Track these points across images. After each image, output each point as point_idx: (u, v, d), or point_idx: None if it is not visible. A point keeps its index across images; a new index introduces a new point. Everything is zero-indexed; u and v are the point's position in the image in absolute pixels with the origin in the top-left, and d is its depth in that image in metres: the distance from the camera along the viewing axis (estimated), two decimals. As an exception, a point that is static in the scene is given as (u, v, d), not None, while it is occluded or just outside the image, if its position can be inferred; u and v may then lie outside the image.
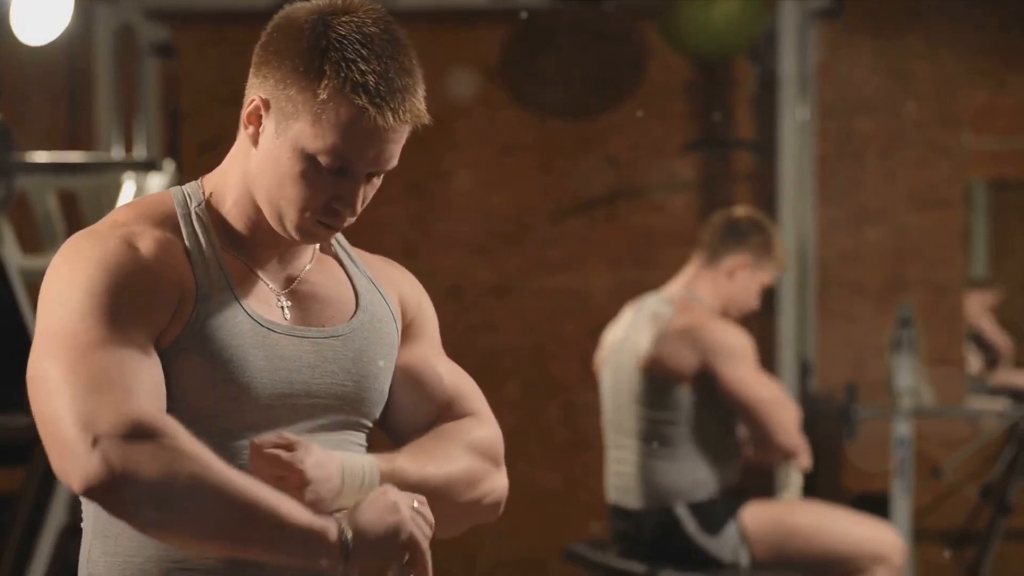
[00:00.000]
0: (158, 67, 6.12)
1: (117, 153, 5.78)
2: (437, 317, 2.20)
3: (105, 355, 1.85)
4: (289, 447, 1.91)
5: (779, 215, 6.00)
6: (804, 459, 4.11)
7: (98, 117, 5.95)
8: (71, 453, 1.80)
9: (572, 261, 6.32)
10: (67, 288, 1.90)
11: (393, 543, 1.92)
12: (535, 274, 6.33)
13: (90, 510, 2.00)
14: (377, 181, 2.01)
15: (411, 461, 2.02)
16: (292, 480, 1.89)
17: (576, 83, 6.33)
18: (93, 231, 1.97)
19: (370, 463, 1.98)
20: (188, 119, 6.14)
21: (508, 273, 6.33)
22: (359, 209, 1.99)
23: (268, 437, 1.92)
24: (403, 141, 1.99)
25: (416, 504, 1.95)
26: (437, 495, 2.03)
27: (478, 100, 6.26)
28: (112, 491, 1.80)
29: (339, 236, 2.13)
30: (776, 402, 4.02)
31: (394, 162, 1.99)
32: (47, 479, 4.02)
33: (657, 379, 4.07)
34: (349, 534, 1.89)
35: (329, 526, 1.88)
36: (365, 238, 2.27)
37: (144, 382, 1.87)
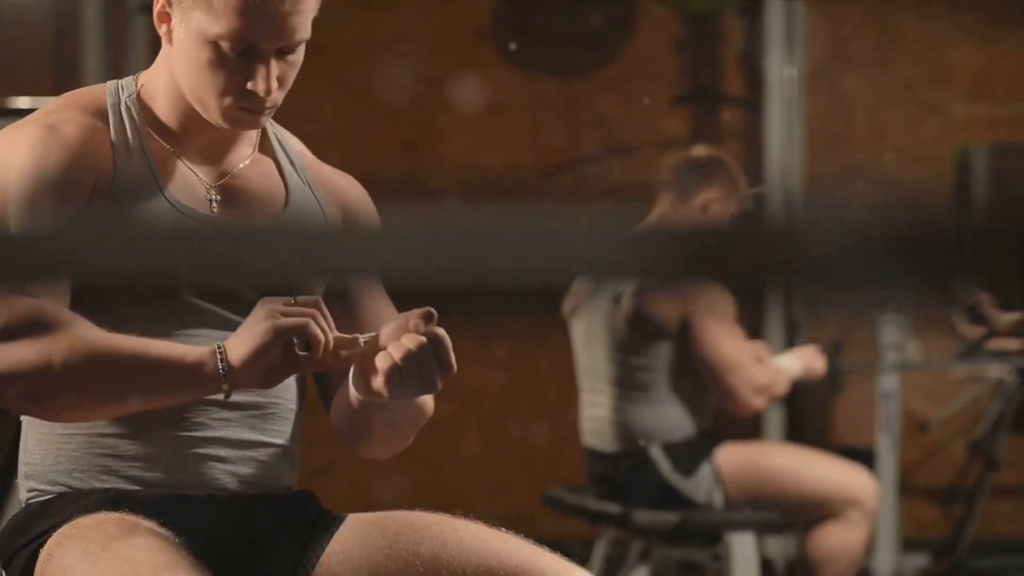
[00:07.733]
0: (146, 26, 6.12)
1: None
2: None
3: None
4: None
5: (767, 171, 6.00)
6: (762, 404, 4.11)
7: (85, 76, 5.96)
8: None
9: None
10: None
11: (269, 344, 1.90)
12: (525, 232, 6.33)
13: None
14: (294, 58, 2.01)
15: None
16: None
17: (565, 41, 6.33)
18: (25, 120, 2.04)
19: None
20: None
21: (498, 231, 6.33)
22: (275, 89, 1.99)
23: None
24: (310, 12, 1.99)
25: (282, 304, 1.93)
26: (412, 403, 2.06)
27: (468, 59, 6.26)
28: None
29: (291, 142, 2.16)
30: (739, 364, 4.00)
31: (302, 35, 1.99)
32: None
33: (634, 324, 4.07)
34: (225, 357, 1.90)
35: (204, 357, 1.91)
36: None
37: None
